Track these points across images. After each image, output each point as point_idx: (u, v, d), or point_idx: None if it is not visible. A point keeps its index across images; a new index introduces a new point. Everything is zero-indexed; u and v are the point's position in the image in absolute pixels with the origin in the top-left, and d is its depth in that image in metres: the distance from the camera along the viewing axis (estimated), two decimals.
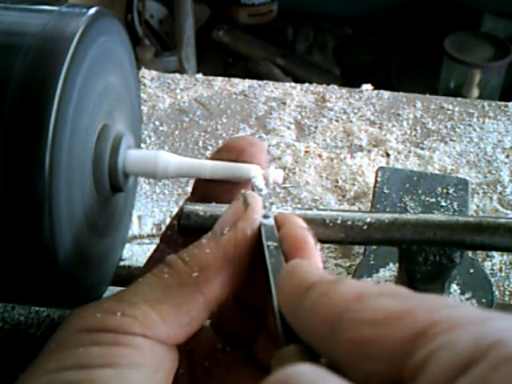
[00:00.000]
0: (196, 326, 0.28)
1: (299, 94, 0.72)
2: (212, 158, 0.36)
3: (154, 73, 0.76)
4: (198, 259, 0.28)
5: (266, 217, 0.30)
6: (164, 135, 0.67)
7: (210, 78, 0.76)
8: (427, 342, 0.18)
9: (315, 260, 0.28)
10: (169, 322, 0.27)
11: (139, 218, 0.58)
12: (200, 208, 0.32)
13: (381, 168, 0.56)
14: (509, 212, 0.58)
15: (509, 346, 0.17)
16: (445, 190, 0.54)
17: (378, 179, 0.55)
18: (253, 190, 0.34)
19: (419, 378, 0.18)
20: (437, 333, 0.18)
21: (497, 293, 0.50)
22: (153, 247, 0.37)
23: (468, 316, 0.18)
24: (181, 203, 0.58)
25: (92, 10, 0.34)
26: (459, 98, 0.72)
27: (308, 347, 0.22)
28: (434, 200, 0.53)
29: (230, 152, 0.35)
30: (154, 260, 0.35)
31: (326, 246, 0.55)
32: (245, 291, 0.32)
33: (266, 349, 0.31)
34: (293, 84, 0.74)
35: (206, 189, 0.36)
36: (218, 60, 1.89)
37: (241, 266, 0.29)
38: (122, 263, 0.52)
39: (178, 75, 0.76)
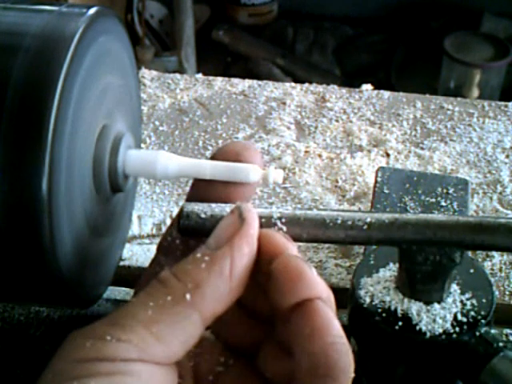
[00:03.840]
0: (192, 343, 0.28)
1: (299, 94, 0.72)
2: None
3: (154, 73, 0.76)
4: (192, 276, 0.28)
5: None
6: (164, 135, 0.67)
7: (210, 78, 0.76)
8: None
9: (317, 287, 0.28)
10: (165, 341, 0.27)
11: (139, 217, 0.58)
12: (200, 208, 0.32)
13: (381, 168, 0.56)
14: (509, 212, 0.58)
15: None
16: (445, 190, 0.54)
17: (378, 179, 0.55)
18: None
19: None
20: None
21: (497, 293, 0.50)
22: (153, 247, 0.36)
23: None
24: (181, 203, 0.58)
25: (92, 10, 0.34)
26: (459, 98, 0.72)
27: None
28: (433, 200, 0.53)
29: (225, 156, 0.35)
30: (154, 273, 0.34)
31: (326, 246, 0.55)
32: (249, 297, 0.32)
33: (273, 359, 0.31)
34: (293, 84, 0.74)
35: (204, 189, 0.36)
36: (218, 60, 1.88)
37: (238, 282, 0.28)
38: (122, 263, 0.52)
39: (178, 75, 0.76)
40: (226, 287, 0.28)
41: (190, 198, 0.36)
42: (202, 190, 0.36)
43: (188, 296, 0.27)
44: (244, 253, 0.28)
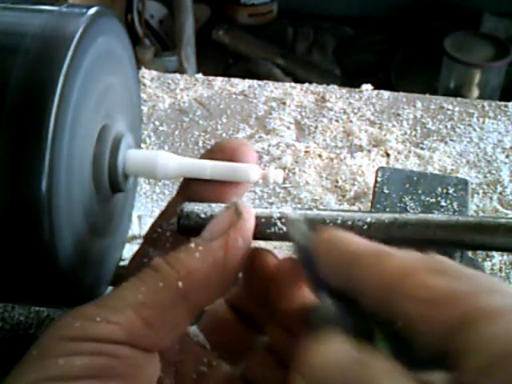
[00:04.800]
0: (179, 332, 0.28)
1: (299, 94, 0.72)
2: (203, 159, 0.36)
3: (154, 73, 0.76)
4: (185, 264, 0.28)
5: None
6: (164, 135, 0.67)
7: (210, 78, 0.76)
8: (476, 327, 0.20)
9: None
10: (154, 327, 0.27)
11: (139, 218, 0.58)
12: (200, 208, 0.32)
13: (381, 168, 0.56)
14: (509, 212, 0.58)
15: None
16: (445, 190, 0.53)
17: (378, 179, 0.55)
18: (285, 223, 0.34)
19: (463, 361, 0.20)
20: (485, 319, 0.20)
21: None
22: None
23: (509, 305, 0.20)
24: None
25: (92, 10, 0.34)
26: (459, 98, 0.72)
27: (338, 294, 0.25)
28: (433, 200, 0.53)
29: (223, 152, 0.35)
30: (140, 264, 0.34)
31: None
32: (246, 304, 0.32)
33: (261, 365, 0.31)
34: (293, 84, 0.74)
35: (194, 189, 0.36)
36: (218, 60, 1.89)
37: (230, 274, 0.28)
38: (122, 263, 0.52)
39: (178, 75, 0.76)
40: (217, 278, 0.28)
41: (181, 196, 0.36)
42: (194, 187, 0.36)
43: (180, 283, 0.27)
44: (238, 246, 0.28)
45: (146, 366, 0.27)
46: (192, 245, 0.28)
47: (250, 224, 0.29)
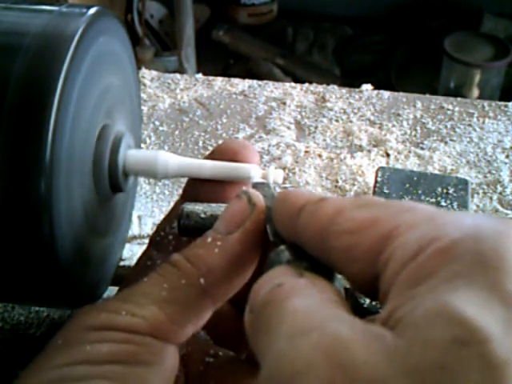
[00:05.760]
0: (200, 325, 0.29)
1: (299, 94, 0.72)
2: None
3: (154, 73, 0.76)
4: (204, 260, 0.28)
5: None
6: (164, 135, 0.67)
7: (210, 78, 0.76)
8: (390, 243, 0.22)
9: None
10: (177, 323, 0.27)
11: (139, 218, 0.58)
12: (200, 208, 0.32)
13: (381, 168, 0.56)
14: (509, 212, 0.58)
15: (443, 240, 0.20)
16: (445, 190, 0.53)
17: (378, 179, 0.55)
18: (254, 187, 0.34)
19: (385, 272, 0.21)
20: (397, 235, 0.22)
21: None
22: None
23: (421, 217, 0.22)
24: None
25: (92, 10, 0.34)
26: (459, 98, 0.72)
27: (294, 246, 0.26)
28: (433, 200, 0.53)
29: (223, 154, 0.35)
30: (144, 267, 0.35)
31: None
32: (241, 293, 0.32)
33: None
34: (293, 84, 0.74)
35: (197, 189, 0.36)
36: (218, 60, 1.89)
37: (247, 266, 0.29)
38: (121, 263, 0.52)
39: (178, 75, 0.76)
40: (236, 271, 0.28)
41: (185, 197, 0.36)
42: (197, 189, 0.36)
43: (202, 280, 0.28)
44: (256, 239, 0.29)
45: (168, 356, 0.28)
46: (209, 239, 0.29)
47: (263, 215, 0.29)
